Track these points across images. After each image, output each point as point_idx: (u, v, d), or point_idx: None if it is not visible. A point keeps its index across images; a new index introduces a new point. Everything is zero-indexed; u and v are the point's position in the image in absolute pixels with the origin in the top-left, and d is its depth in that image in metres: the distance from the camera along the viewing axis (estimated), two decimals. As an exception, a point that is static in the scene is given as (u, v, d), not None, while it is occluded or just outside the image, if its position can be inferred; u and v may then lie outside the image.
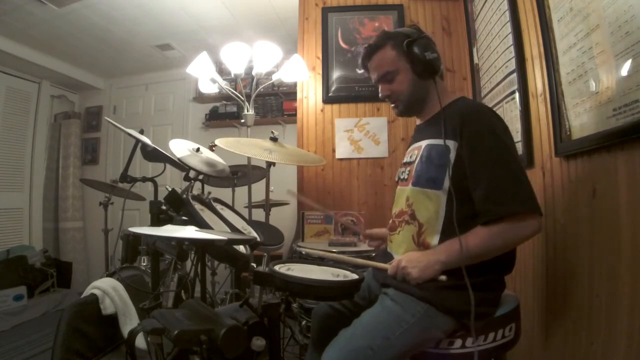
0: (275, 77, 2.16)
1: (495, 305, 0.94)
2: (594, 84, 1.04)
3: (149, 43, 3.39)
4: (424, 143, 1.04)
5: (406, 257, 0.93)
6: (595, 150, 1.06)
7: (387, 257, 1.07)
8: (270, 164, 1.86)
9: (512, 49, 1.54)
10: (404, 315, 0.88)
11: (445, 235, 0.93)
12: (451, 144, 0.94)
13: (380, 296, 0.96)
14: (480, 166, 0.89)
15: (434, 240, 0.94)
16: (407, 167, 1.08)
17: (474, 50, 2.06)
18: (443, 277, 0.89)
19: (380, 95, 1.11)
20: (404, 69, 1.04)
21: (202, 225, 1.12)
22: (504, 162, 0.88)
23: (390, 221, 1.11)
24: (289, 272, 0.94)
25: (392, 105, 1.11)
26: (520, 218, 0.85)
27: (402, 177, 1.10)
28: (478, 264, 0.89)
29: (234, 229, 1.28)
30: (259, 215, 2.06)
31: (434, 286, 0.89)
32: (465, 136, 0.92)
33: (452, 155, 0.93)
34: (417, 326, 0.87)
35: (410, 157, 1.09)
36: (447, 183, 0.93)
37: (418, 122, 1.17)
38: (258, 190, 2.31)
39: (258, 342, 0.86)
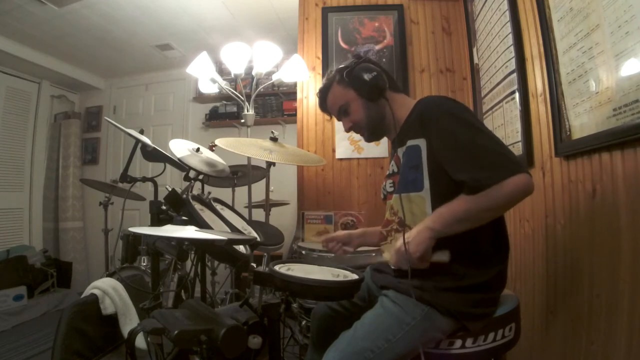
0: (275, 77, 2.16)
1: (495, 305, 0.94)
2: (594, 84, 1.04)
3: (149, 43, 3.39)
4: (400, 152, 1.04)
5: (399, 243, 0.90)
6: (595, 150, 1.06)
7: (383, 265, 1.07)
8: (270, 164, 1.86)
9: (512, 49, 1.54)
10: (404, 317, 0.88)
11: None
12: (420, 142, 0.94)
13: (380, 298, 0.96)
14: (451, 150, 0.88)
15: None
16: (391, 179, 1.09)
17: (474, 50, 2.06)
18: (445, 258, 0.86)
19: (345, 130, 1.14)
20: (353, 98, 1.07)
21: (202, 225, 1.12)
22: (470, 138, 0.86)
23: (379, 233, 1.12)
24: (289, 272, 0.94)
25: (359, 134, 1.14)
26: (505, 182, 0.81)
27: (389, 190, 1.10)
28: (476, 261, 0.89)
29: (234, 229, 1.28)
30: (259, 215, 2.06)
31: (434, 287, 0.89)
32: (428, 130, 0.92)
33: (424, 153, 0.93)
34: (417, 328, 0.87)
35: (392, 170, 1.09)
36: (427, 183, 0.93)
37: (391, 138, 1.16)
38: (258, 190, 2.31)
39: (255, 340, 0.86)
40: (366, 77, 1.02)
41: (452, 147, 0.88)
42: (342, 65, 1.10)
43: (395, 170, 1.06)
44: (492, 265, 0.93)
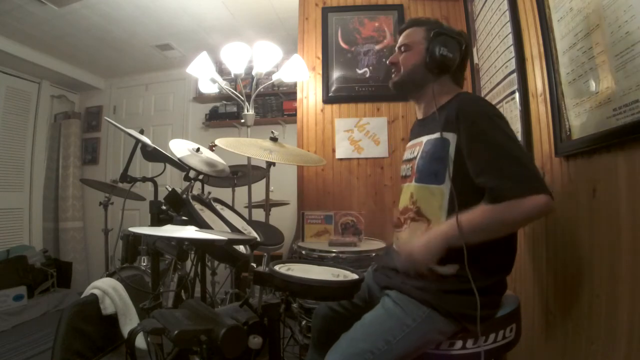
0: (275, 77, 2.16)
1: (497, 307, 0.94)
2: (594, 84, 1.04)
3: (149, 43, 3.39)
4: (424, 139, 1.04)
5: (410, 246, 0.92)
6: (595, 150, 1.06)
7: (392, 254, 1.07)
8: (270, 164, 1.85)
9: (512, 49, 1.54)
10: (405, 318, 0.87)
11: None
12: (450, 137, 0.94)
13: (382, 298, 0.96)
14: (480, 152, 0.88)
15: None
16: (409, 164, 1.08)
17: (474, 50, 2.06)
18: (452, 271, 0.87)
19: (389, 60, 1.14)
20: (418, 51, 1.07)
21: (202, 225, 1.12)
22: (502, 145, 0.87)
23: (396, 218, 1.11)
24: (289, 272, 0.94)
25: (393, 73, 1.14)
26: (527, 199, 0.81)
27: (405, 174, 1.10)
28: (483, 267, 0.89)
29: (234, 229, 1.28)
30: (259, 215, 2.06)
31: (436, 289, 0.89)
32: (462, 126, 0.92)
33: (452, 148, 0.93)
34: (418, 330, 0.87)
35: (412, 153, 1.09)
36: (448, 177, 0.93)
37: (419, 116, 1.17)
38: (258, 190, 2.31)
39: (255, 340, 0.86)
40: (442, 51, 1.01)
41: (482, 149, 0.88)
42: (442, 25, 1.09)
43: (415, 155, 1.06)
44: (498, 271, 0.93)
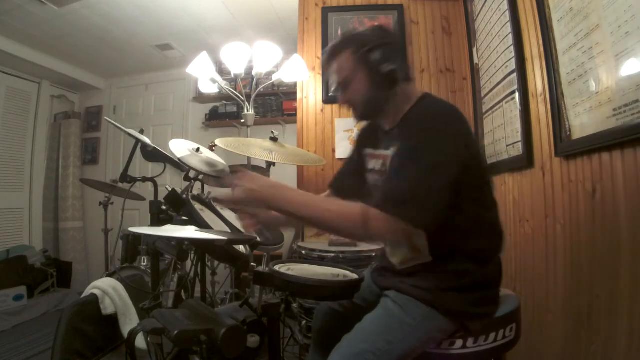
0: (275, 77, 2.16)
1: (494, 303, 0.94)
2: (594, 84, 1.04)
3: (149, 43, 3.38)
4: (390, 152, 0.98)
5: (253, 182, 0.87)
6: (595, 150, 1.06)
7: (384, 267, 1.06)
8: (270, 164, 1.86)
9: (512, 49, 1.54)
10: (405, 318, 0.87)
11: (431, 234, 0.90)
12: None
13: (382, 299, 0.96)
14: (397, 160, 0.86)
15: (421, 240, 0.92)
16: (376, 175, 1.05)
17: (474, 50, 2.06)
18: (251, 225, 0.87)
19: (339, 103, 1.06)
20: (360, 79, 0.97)
21: (202, 225, 1.12)
22: (422, 167, 0.81)
23: None
24: (289, 272, 0.94)
25: (352, 110, 1.05)
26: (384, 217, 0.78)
27: (377, 184, 1.05)
28: (474, 257, 0.89)
29: (234, 229, 1.28)
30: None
31: (436, 287, 0.89)
32: (404, 136, 0.90)
33: None
34: (419, 329, 0.87)
35: (382, 165, 1.03)
36: None
37: (386, 127, 1.06)
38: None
39: (252, 339, 0.87)
40: (385, 67, 0.92)
41: (401, 162, 0.85)
42: (364, 35, 0.97)
43: (383, 169, 1.02)
44: (490, 258, 0.92)
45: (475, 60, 2.05)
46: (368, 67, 0.95)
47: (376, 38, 0.95)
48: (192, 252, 1.24)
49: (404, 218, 0.78)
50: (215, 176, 1.68)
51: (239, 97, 2.06)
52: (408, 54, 2.34)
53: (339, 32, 2.40)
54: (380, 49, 0.93)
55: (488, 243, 0.93)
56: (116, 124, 1.65)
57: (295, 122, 2.58)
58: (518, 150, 1.53)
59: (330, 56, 1.02)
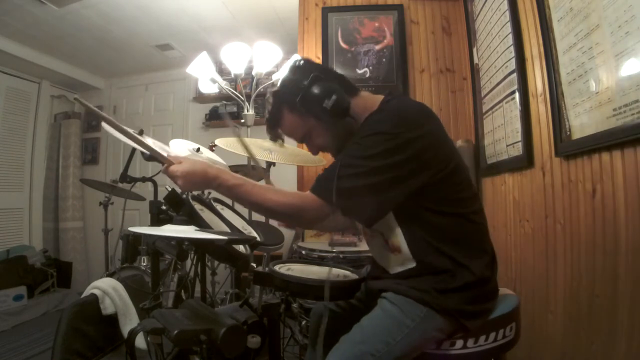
0: (275, 77, 2.16)
1: (490, 299, 0.93)
2: (594, 84, 1.04)
3: (149, 43, 3.39)
4: None
5: (187, 171, 0.89)
6: (595, 150, 1.06)
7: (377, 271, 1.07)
8: (270, 164, 1.86)
9: (512, 49, 1.54)
10: (404, 319, 0.87)
11: (409, 232, 0.91)
12: None
13: (379, 300, 0.96)
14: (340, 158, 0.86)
15: (402, 242, 0.92)
16: None
17: (474, 50, 2.06)
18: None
19: (312, 153, 1.06)
20: (314, 125, 0.95)
21: (202, 225, 1.12)
22: (358, 159, 0.83)
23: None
24: (289, 272, 0.94)
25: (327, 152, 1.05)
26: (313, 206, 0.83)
27: None
28: (463, 253, 0.89)
29: (234, 229, 1.28)
30: (259, 215, 2.05)
31: (432, 289, 0.89)
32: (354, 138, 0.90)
33: None
34: (417, 330, 0.87)
35: None
36: None
37: None
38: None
39: (253, 340, 0.87)
40: (325, 103, 0.88)
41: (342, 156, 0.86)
42: (289, 87, 0.94)
43: None
44: (478, 257, 0.91)
45: (475, 60, 2.05)
46: (312, 113, 0.92)
47: (300, 79, 0.92)
48: (192, 252, 1.23)
49: (313, 191, 0.83)
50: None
51: (239, 97, 2.06)
52: (408, 54, 2.35)
53: (339, 32, 2.40)
54: (311, 89, 0.90)
55: (475, 243, 0.93)
56: (112, 131, 1.62)
57: (295, 122, 2.58)
58: (518, 150, 1.53)
59: (274, 125, 1.02)
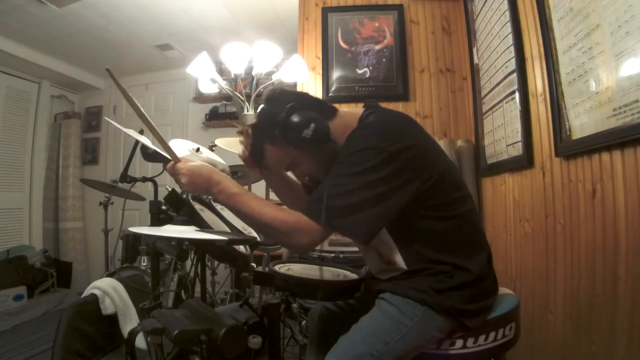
0: (275, 77, 2.16)
1: (488, 297, 0.93)
2: (594, 84, 1.04)
3: (149, 43, 3.39)
4: None
5: (193, 170, 0.91)
6: (595, 150, 1.06)
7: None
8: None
9: (512, 49, 1.54)
10: (402, 319, 0.87)
11: (405, 248, 0.91)
12: None
13: (377, 300, 0.96)
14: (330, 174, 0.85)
15: (397, 257, 0.92)
16: None
17: (474, 50, 2.06)
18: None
19: (301, 183, 1.05)
20: (297, 155, 0.95)
21: (202, 225, 1.12)
22: (346, 176, 0.82)
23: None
24: (289, 272, 0.94)
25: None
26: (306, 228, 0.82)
27: None
28: (460, 254, 0.89)
29: (234, 229, 1.28)
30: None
31: (431, 288, 0.89)
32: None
33: None
34: (416, 329, 0.87)
35: None
36: None
37: None
38: (258, 190, 2.31)
39: (255, 340, 0.87)
40: (305, 133, 0.88)
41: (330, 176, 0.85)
42: (267, 120, 0.95)
43: None
44: (473, 257, 0.91)
45: (475, 60, 2.05)
46: (293, 144, 0.92)
47: (277, 111, 0.91)
48: (192, 252, 1.23)
49: (305, 214, 0.82)
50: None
51: (239, 97, 2.06)
52: (408, 54, 2.35)
53: (339, 32, 2.40)
54: (289, 120, 0.89)
55: (473, 243, 0.93)
56: (116, 124, 1.64)
57: (295, 122, 2.58)
58: (518, 150, 1.53)
59: (257, 159, 1.02)
